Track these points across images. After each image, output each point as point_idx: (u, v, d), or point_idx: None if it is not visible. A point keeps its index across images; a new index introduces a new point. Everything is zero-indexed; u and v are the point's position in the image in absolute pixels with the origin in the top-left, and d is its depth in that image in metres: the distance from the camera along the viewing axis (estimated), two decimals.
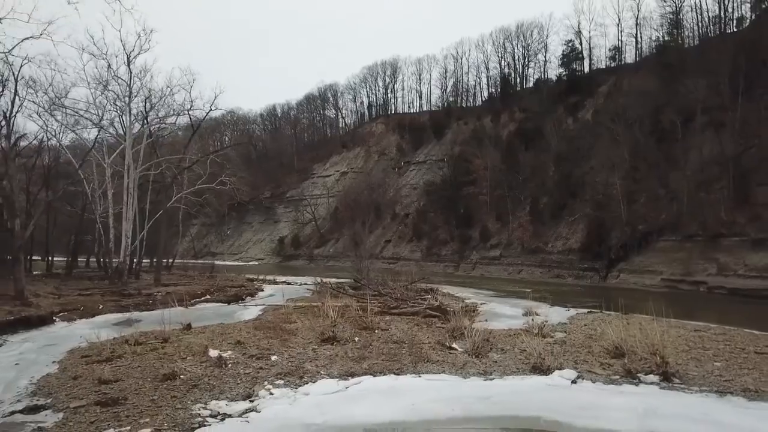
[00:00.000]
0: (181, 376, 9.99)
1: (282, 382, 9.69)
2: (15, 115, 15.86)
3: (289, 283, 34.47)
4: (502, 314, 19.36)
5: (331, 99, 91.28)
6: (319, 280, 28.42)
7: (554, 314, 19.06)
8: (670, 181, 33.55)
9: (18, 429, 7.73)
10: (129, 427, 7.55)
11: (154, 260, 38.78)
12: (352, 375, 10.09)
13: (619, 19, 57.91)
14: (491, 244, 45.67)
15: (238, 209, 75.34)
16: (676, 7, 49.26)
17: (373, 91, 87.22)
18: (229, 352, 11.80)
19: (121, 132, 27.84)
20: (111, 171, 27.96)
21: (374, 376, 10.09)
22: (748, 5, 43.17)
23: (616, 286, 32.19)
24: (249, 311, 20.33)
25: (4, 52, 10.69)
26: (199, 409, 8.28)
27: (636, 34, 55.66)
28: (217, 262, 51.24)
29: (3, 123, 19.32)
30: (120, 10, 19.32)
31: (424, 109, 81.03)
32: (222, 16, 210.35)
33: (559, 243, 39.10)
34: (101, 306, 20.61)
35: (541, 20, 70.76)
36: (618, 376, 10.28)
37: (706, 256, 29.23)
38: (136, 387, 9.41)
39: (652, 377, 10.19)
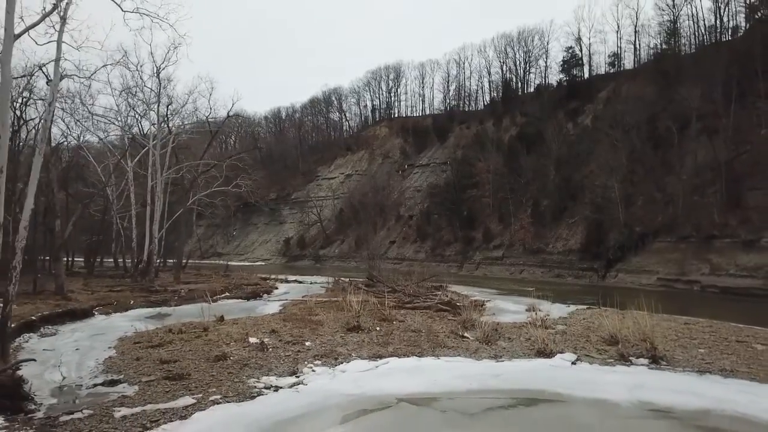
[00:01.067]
0: (231, 358, 11.47)
1: (320, 362, 11.16)
2: (53, 122, 17.20)
3: (300, 282, 35.91)
4: (507, 310, 20.79)
5: (335, 102, 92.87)
6: (332, 279, 29.84)
7: (555, 310, 20.50)
8: (666, 184, 35.03)
9: (105, 397, 9.18)
10: (201, 395, 9.02)
11: (167, 260, 40.31)
12: (380, 357, 11.56)
13: (619, 27, 59.50)
14: (494, 244, 47.17)
15: (244, 211, 76.95)
16: (673, 15, 50.82)
17: (377, 95, 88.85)
18: (267, 339, 13.25)
19: (134, 135, 29.29)
20: (132, 173, 29.43)
21: (399, 357, 11.55)
22: (743, 15, 44.74)
23: (614, 285, 33.62)
24: (270, 306, 21.79)
25: (86, 77, 11.97)
26: (254, 383, 9.74)
27: (635, 42, 57.27)
28: (225, 263, 52.72)
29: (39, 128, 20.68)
30: (151, 26, 20.57)
31: (427, 112, 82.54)
32: (224, 19, 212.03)
33: (560, 244, 40.59)
34: (132, 301, 22.08)
35: (542, 26, 72.71)
36: (612, 360, 11.72)
37: (700, 257, 30.69)
38: (194, 366, 10.88)
39: (642, 360, 11.64)
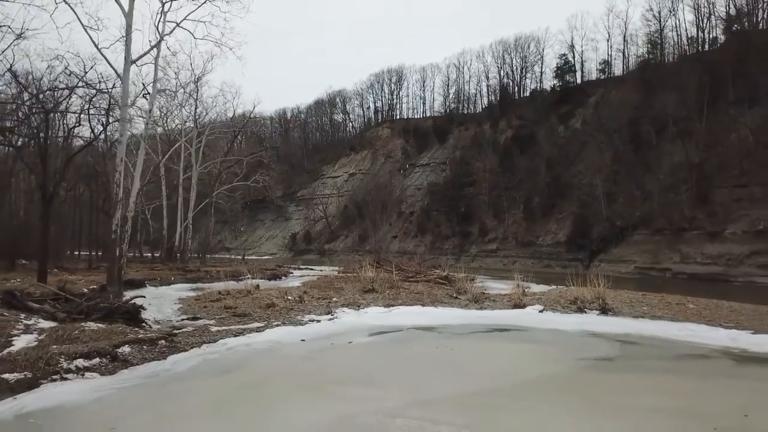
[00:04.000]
0: (278, 306, 15.01)
1: (347, 308, 14.71)
2: (110, 122, 20.38)
3: (311, 269, 39.43)
4: (495, 287, 24.34)
5: (339, 104, 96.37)
6: (342, 267, 33.31)
7: (537, 288, 24.04)
8: (644, 183, 38.61)
9: (192, 325, 12.65)
10: (265, 323, 12.55)
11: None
12: (392, 306, 15.12)
13: (609, 35, 62.94)
14: (489, 238, 50.78)
15: (251, 207, 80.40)
16: (659, 26, 54.38)
17: (380, 97, 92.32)
18: (302, 296, 16.80)
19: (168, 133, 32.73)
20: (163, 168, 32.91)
21: (407, 306, 15.12)
22: (721, 29, 48.31)
23: (596, 273, 37.10)
24: (293, 282, 25.36)
25: (148, 93, 15.26)
26: (300, 318, 13.28)
27: (624, 50, 60.78)
28: (238, 255, 56.22)
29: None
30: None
31: (428, 114, 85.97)
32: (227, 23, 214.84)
33: (549, 237, 44.18)
34: (173, 278, 25.59)
35: (538, 34, 75.71)
36: (571, 310, 15.26)
37: (672, 247, 34.27)
38: (251, 310, 14.41)
39: (594, 311, 15.15)
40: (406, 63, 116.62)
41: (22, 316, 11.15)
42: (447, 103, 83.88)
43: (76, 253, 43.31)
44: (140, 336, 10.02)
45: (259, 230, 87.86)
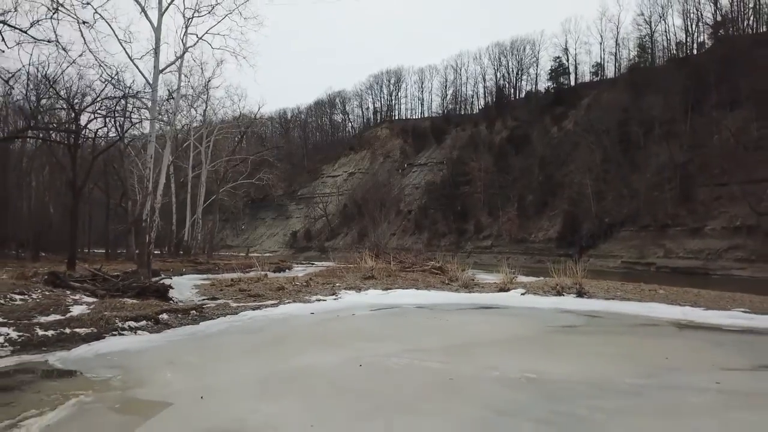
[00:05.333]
0: (287, 289, 16.74)
1: (350, 290, 16.41)
2: (133, 124, 21.96)
3: (313, 263, 41.11)
4: (486, 278, 26.07)
5: (339, 104, 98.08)
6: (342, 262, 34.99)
7: (525, 279, 25.80)
8: (632, 182, 40.38)
9: (213, 303, 14.34)
10: (278, 301, 14.26)
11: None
12: (390, 289, 16.83)
13: (602, 39, 64.77)
14: (484, 235, 52.54)
15: (252, 206, 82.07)
16: (650, 30, 56.18)
17: (379, 98, 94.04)
18: (308, 281, 18.52)
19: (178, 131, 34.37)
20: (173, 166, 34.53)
21: (403, 289, 16.83)
22: (707, 34, 50.16)
23: (585, 268, 38.83)
24: (297, 273, 27.04)
25: (172, 98, 17.02)
26: (308, 298, 14.99)
27: (616, 53, 62.59)
28: (235, 254, 57.79)
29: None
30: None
31: (426, 115, 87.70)
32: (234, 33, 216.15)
33: (541, 234, 45.95)
34: (184, 269, 27.25)
35: (534, 37, 77.49)
36: (551, 294, 16.98)
37: (656, 243, 36.03)
38: (264, 292, 16.12)
39: (572, 295, 16.87)
40: (405, 64, 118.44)
41: (68, 292, 12.85)
42: (444, 104, 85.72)
43: (86, 250, 44.98)
44: (174, 307, 11.73)
45: (260, 228, 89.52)
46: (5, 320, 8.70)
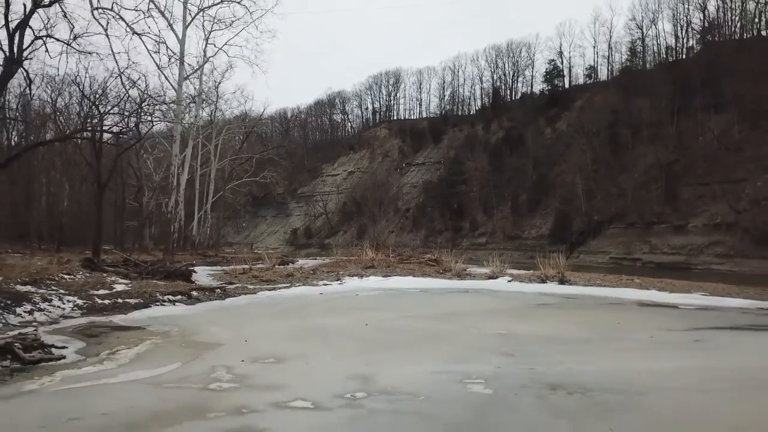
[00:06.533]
0: (296, 276, 18.44)
1: (352, 277, 18.13)
2: (154, 124, 23.58)
3: (315, 258, 42.86)
4: (478, 270, 27.84)
5: (338, 105, 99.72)
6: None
7: (515, 271, 27.57)
8: (620, 181, 42.19)
9: (230, 286, 16.01)
10: (289, 284, 15.98)
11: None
12: (389, 276, 18.55)
13: (595, 42, 66.44)
14: (479, 232, 54.34)
15: (253, 204, 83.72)
16: (642, 35, 57.99)
17: (378, 99, 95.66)
18: (315, 270, 20.24)
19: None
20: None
21: (401, 276, 18.55)
22: (695, 39, 52.05)
23: (576, 264, 40.59)
24: (302, 265, 28.70)
25: (193, 102, 18.63)
26: (315, 282, 16.71)
27: (608, 57, 64.33)
28: (234, 250, 59.48)
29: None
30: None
31: (424, 116, 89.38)
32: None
33: (534, 231, 47.76)
34: (194, 261, 28.89)
35: (529, 40, 78.75)
36: (535, 282, 18.72)
37: (642, 239, 37.83)
38: (275, 278, 17.82)
39: (554, 282, 18.63)
40: (404, 66, 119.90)
41: (104, 275, 14.52)
42: (442, 105, 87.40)
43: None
44: (201, 286, 13.43)
45: (261, 225, 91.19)
46: (68, 292, 10.39)
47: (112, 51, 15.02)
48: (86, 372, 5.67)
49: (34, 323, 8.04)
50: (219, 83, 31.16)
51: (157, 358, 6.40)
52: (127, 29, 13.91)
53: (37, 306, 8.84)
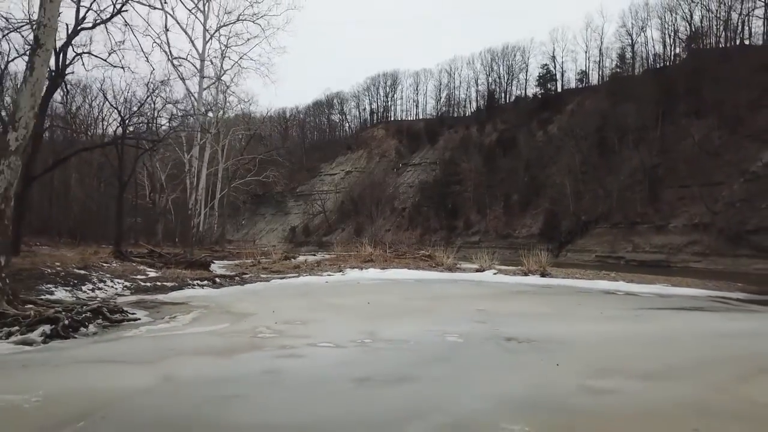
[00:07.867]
0: (302, 268, 20.33)
1: (353, 269, 20.02)
2: (174, 129, 25.26)
3: (314, 254, 44.77)
4: (469, 265, 29.79)
5: (336, 105, 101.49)
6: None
7: (504, 267, 29.56)
8: (606, 183, 44.16)
9: (245, 276, 17.88)
10: (297, 274, 17.88)
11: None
12: (386, 268, 20.45)
13: (587, 48, 68.39)
14: (472, 231, 56.31)
15: (252, 202, 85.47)
16: (631, 41, 60.04)
17: (375, 100, 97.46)
18: (318, 263, 22.12)
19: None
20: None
21: (397, 269, 20.45)
22: (681, 47, 54.13)
23: (564, 261, 42.66)
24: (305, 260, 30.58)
25: (211, 110, 20.47)
26: (320, 273, 18.59)
27: (600, 62, 66.32)
28: (235, 248, 61.34)
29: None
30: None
31: (420, 117, 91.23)
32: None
33: (524, 230, 49.72)
34: (203, 255, 30.71)
35: (524, 44, 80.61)
36: (519, 275, 20.65)
37: (626, 239, 39.83)
38: (283, 270, 19.71)
39: (536, 275, 20.56)
40: (401, 68, 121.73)
41: (134, 264, 16.36)
42: (438, 107, 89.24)
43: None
44: (222, 274, 15.30)
45: (260, 223, 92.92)
46: (114, 276, 12.25)
47: (148, 62, 16.80)
48: (162, 327, 7.54)
49: (97, 299, 9.87)
50: (228, 87, 33.02)
51: (209, 320, 8.27)
52: (162, 51, 15.72)
53: (96, 285, 10.70)
